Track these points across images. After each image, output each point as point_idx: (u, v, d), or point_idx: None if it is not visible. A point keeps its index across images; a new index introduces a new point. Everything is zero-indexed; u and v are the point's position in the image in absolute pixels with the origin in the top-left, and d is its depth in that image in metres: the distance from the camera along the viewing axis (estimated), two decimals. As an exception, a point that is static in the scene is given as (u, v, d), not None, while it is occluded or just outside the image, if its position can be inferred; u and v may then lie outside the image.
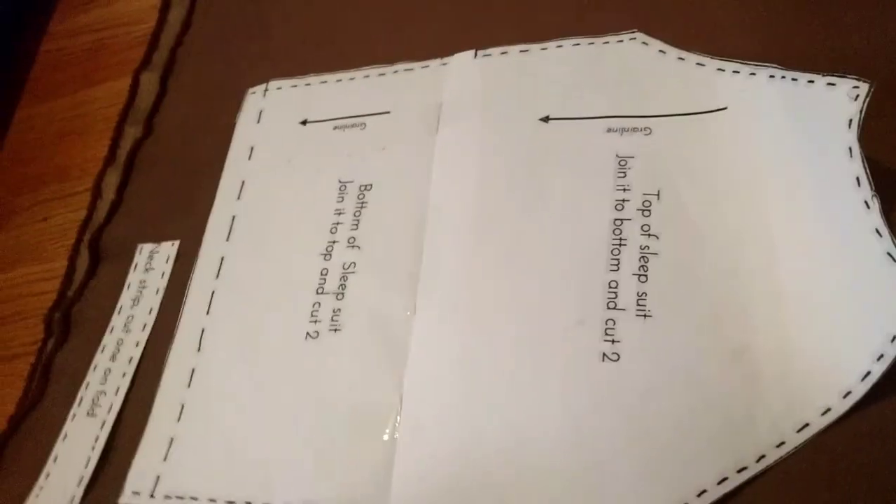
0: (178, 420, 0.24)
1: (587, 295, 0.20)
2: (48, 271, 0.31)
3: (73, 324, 0.28)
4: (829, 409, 0.17)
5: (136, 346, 0.26)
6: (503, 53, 0.26)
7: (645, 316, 0.20)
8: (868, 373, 0.17)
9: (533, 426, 0.19)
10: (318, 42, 0.31)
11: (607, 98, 0.24)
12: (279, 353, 0.24)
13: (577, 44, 0.25)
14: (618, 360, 0.19)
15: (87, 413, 0.25)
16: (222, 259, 0.27)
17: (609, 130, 0.23)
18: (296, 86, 0.30)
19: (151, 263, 0.28)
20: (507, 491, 0.18)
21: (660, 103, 0.23)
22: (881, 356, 0.16)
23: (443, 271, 0.23)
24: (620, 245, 0.21)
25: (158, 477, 0.23)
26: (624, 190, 0.22)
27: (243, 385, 0.24)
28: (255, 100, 0.30)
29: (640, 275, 0.20)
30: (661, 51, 0.24)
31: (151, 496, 0.23)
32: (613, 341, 0.20)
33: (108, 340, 0.27)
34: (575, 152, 0.23)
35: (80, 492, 0.24)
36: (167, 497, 0.22)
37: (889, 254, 0.17)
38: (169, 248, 0.28)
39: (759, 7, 0.24)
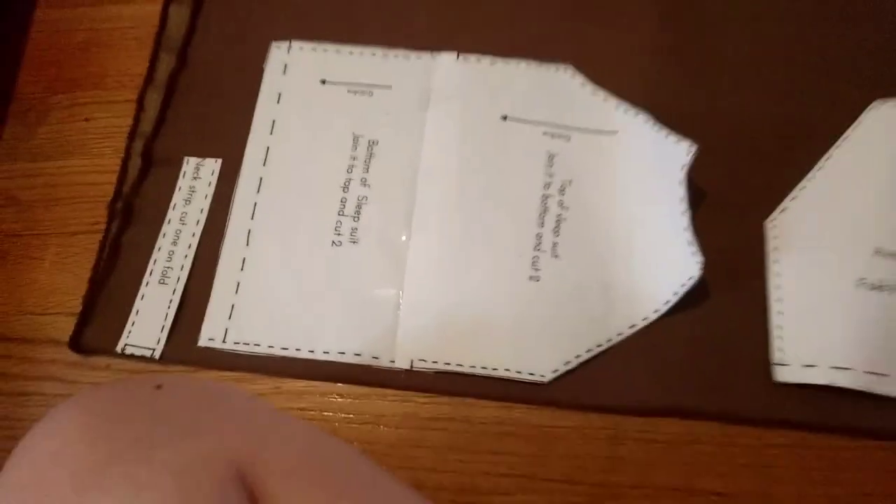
0: (236, 293, 0.35)
1: (523, 240, 0.34)
2: (98, 166, 0.39)
3: (133, 213, 0.37)
4: (646, 318, 0.32)
5: (193, 236, 0.36)
6: (478, 60, 0.38)
7: (556, 256, 0.33)
8: (668, 301, 0.31)
9: (487, 307, 0.33)
10: (333, 14, 0.40)
11: (546, 109, 0.36)
12: (312, 253, 0.35)
13: (530, 65, 0.37)
14: (538, 280, 0.33)
15: (159, 282, 0.36)
16: (261, 179, 0.37)
17: (544, 133, 0.36)
18: (315, 49, 0.39)
19: (199, 173, 0.38)
20: (469, 337, 0.32)
21: (578, 119, 0.36)
22: (675, 293, 0.31)
23: (430, 211, 0.35)
24: (545, 211, 0.34)
25: (227, 329, 0.34)
26: (550, 176, 0.35)
27: (286, 272, 0.35)
28: (279, 53, 0.39)
29: (555, 230, 0.34)
30: (583, 83, 0.37)
31: (224, 342, 0.34)
32: (537, 269, 0.33)
33: (167, 229, 0.37)
34: (522, 145, 0.36)
35: (164, 336, 0.34)
36: (235, 343, 0.34)
37: (687, 241, 0.32)
38: (213, 164, 0.38)
39: (654, 72, 0.37)
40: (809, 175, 0.34)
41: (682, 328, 0.32)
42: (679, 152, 0.32)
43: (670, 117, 0.34)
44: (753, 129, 0.35)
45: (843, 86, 0.35)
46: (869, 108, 0.35)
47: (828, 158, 0.34)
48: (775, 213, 0.34)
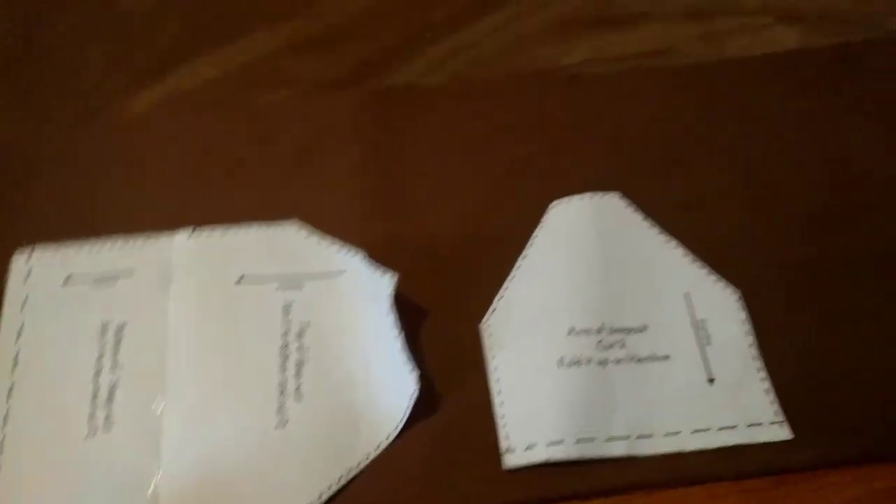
0: (-11, 509, 0.34)
1: (268, 390, 0.36)
2: None
3: None
4: (388, 436, 0.34)
5: (-58, 459, 0.36)
6: (211, 231, 0.41)
7: (300, 399, 0.36)
8: (402, 417, 0.34)
9: (239, 466, 0.34)
10: (74, 215, 0.42)
11: (277, 264, 0.40)
12: (67, 451, 0.35)
13: (260, 226, 0.41)
14: (285, 426, 0.35)
15: None
16: (10, 387, 0.37)
17: (277, 287, 0.39)
18: (57, 250, 0.41)
19: (-55, 395, 0.37)
20: (226, 499, 0.33)
21: (307, 268, 0.39)
22: (406, 408, 0.34)
23: (180, 381, 0.37)
24: (286, 358, 0.37)
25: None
26: (287, 324, 0.38)
27: (39, 482, 0.34)
28: (21, 260, 0.41)
29: (296, 374, 0.36)
30: (308, 234, 0.40)
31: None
32: (283, 416, 0.35)
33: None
34: (257, 302, 0.38)
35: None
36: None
37: (404, 361, 0.35)
38: (-41, 384, 0.38)
39: (364, 214, 0.41)
40: (510, 276, 0.39)
41: (420, 438, 0.35)
42: (385, 283, 0.36)
43: (382, 250, 0.39)
44: (457, 246, 0.40)
45: (519, 195, 0.41)
46: (549, 207, 0.41)
47: (523, 258, 0.39)
48: (487, 315, 0.38)
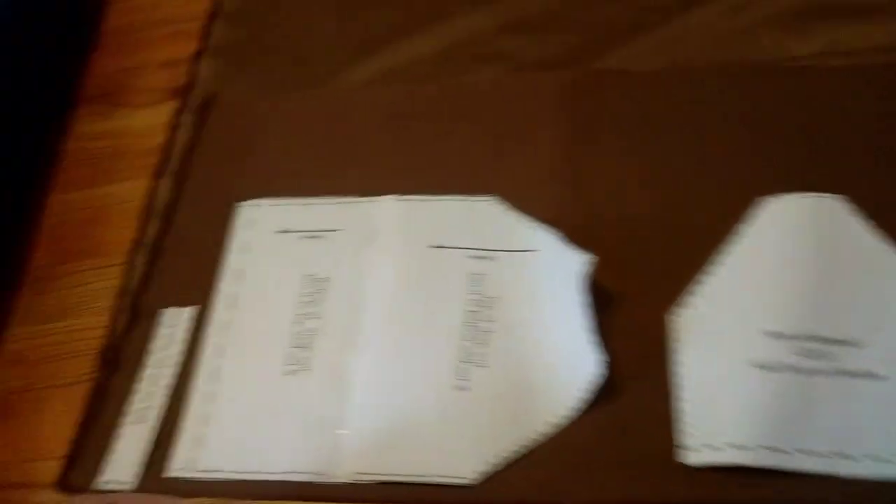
0: (204, 425, 0.38)
1: (451, 353, 0.37)
2: (93, 323, 0.44)
3: (118, 362, 0.42)
4: (562, 416, 0.34)
5: (169, 376, 0.41)
6: (414, 199, 0.43)
7: (483, 366, 0.36)
8: (580, 398, 0.34)
9: (419, 419, 0.35)
10: (292, 175, 0.46)
11: (472, 236, 0.41)
12: (269, 383, 0.39)
13: (458, 199, 0.42)
14: (466, 389, 0.36)
15: (135, 421, 0.39)
16: (229, 322, 0.41)
17: (469, 257, 0.40)
18: (276, 205, 0.45)
19: (175, 321, 0.42)
20: (404, 448, 0.35)
21: (501, 243, 0.40)
22: (585, 390, 0.34)
23: (371, 335, 0.39)
24: (472, 325, 0.38)
25: (193, 459, 0.37)
26: (477, 293, 0.39)
27: (246, 403, 0.38)
28: (246, 211, 0.45)
29: (482, 342, 0.37)
30: (504, 210, 0.41)
31: (190, 471, 0.37)
32: (465, 379, 0.36)
33: (146, 374, 0.41)
34: (449, 268, 0.40)
35: (138, 470, 0.38)
36: (201, 471, 0.37)
37: (592, 343, 0.34)
38: (189, 312, 0.42)
39: (562, 195, 0.41)
40: (709, 269, 0.37)
41: (595, 422, 0.34)
42: (579, 264, 0.36)
43: (578, 232, 0.38)
44: (654, 234, 0.39)
45: (727, 187, 0.39)
46: (762, 203, 0.38)
47: (728, 253, 0.37)
48: (679, 306, 0.36)
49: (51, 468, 0.39)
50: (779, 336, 0.34)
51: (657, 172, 0.41)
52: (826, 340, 0.34)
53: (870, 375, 0.33)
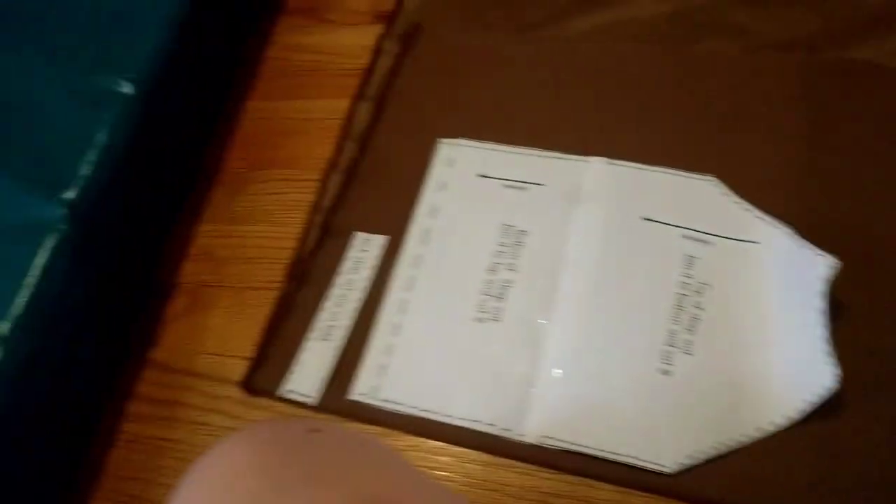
0: (388, 355, 0.39)
1: (656, 334, 0.36)
2: (283, 233, 0.45)
3: (307, 276, 0.43)
4: (776, 423, 0.32)
5: (355, 300, 0.41)
6: (627, 165, 0.41)
7: (689, 353, 0.35)
8: (800, 409, 0.32)
9: (616, 394, 0.34)
10: (497, 118, 0.45)
11: (687, 215, 0.39)
12: (459, 326, 0.38)
13: (676, 173, 0.40)
14: (669, 374, 0.35)
15: (322, 338, 0.40)
16: (419, 256, 0.41)
17: (684, 236, 0.38)
18: (478, 147, 0.44)
19: (366, 247, 0.43)
20: (597, 420, 0.34)
21: (718, 227, 0.38)
22: (809, 402, 0.32)
23: (569, 299, 0.38)
24: (680, 309, 0.36)
25: (376, 387, 0.38)
26: (688, 277, 0.37)
27: (433, 341, 0.38)
28: (447, 148, 0.44)
29: (690, 329, 0.36)
30: (725, 193, 0.39)
31: (372, 398, 0.38)
32: (669, 363, 0.35)
33: (334, 293, 0.42)
34: (660, 245, 0.38)
35: (321, 386, 0.39)
36: (383, 400, 0.37)
37: (824, 353, 0.32)
38: (380, 240, 0.43)
39: (797, 187, 0.38)
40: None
41: (813, 437, 0.32)
42: (820, 266, 0.33)
43: (812, 231, 0.36)
44: (888, 249, 0.36)
45: None
46: None
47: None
48: (920, 334, 0.34)
49: (237, 366, 0.41)
50: None
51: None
52: None
53: None
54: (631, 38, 0.46)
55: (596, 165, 0.41)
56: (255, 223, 0.46)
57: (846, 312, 0.34)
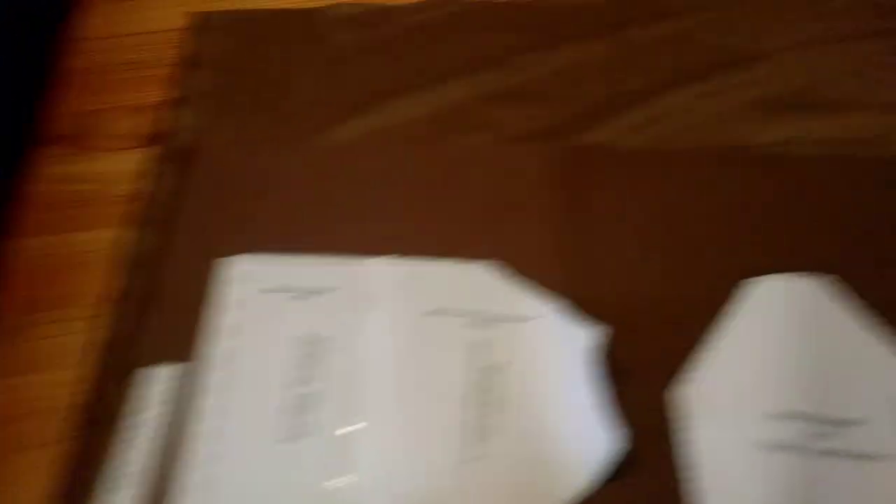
0: (192, 496, 0.36)
1: (453, 425, 0.37)
2: (60, 379, 0.42)
3: (97, 424, 0.39)
4: (575, 495, 0.34)
5: (151, 440, 0.38)
6: (410, 262, 0.43)
7: (485, 440, 0.36)
8: (592, 475, 0.34)
9: (427, 495, 0.35)
10: (276, 231, 0.45)
11: (471, 303, 0.41)
12: (267, 451, 0.37)
13: (456, 264, 0.42)
14: (470, 464, 0.36)
15: (116, 489, 0.37)
16: (215, 383, 0.40)
17: (469, 325, 0.40)
18: (265, 261, 0.44)
19: (158, 380, 0.40)
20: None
21: (501, 310, 0.40)
22: (599, 466, 0.34)
23: (373, 404, 0.38)
24: (471, 395, 0.38)
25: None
26: (476, 363, 0.39)
27: (241, 473, 0.37)
28: (230, 267, 0.44)
29: (481, 413, 0.37)
30: (504, 277, 0.42)
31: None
32: (470, 453, 0.36)
33: (127, 437, 0.39)
34: (447, 335, 0.40)
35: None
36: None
37: (605, 418, 0.35)
38: (173, 371, 0.41)
39: (563, 265, 0.42)
40: (705, 348, 0.38)
41: (611, 498, 0.34)
42: (589, 337, 0.37)
43: (583, 304, 0.40)
44: (646, 312, 0.40)
45: (720, 263, 0.41)
46: (751, 283, 0.40)
47: (721, 332, 0.39)
48: (682, 384, 0.37)
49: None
50: (782, 417, 0.35)
51: (642, 251, 0.43)
52: (830, 421, 0.35)
53: (869, 457, 0.35)
54: (397, 142, 0.49)
55: (377, 267, 0.43)
56: (28, 374, 0.42)
57: (625, 374, 0.37)
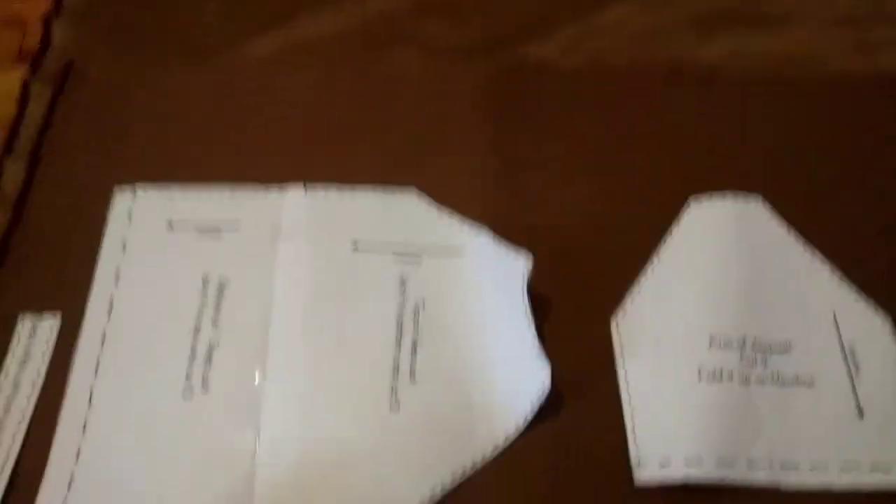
0: (76, 461, 0.32)
1: (381, 369, 0.33)
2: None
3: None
4: (507, 436, 0.32)
5: (27, 401, 0.34)
6: (325, 191, 0.38)
7: (414, 382, 0.33)
8: (525, 415, 0.32)
9: (348, 446, 0.31)
10: (178, 157, 0.40)
11: (395, 234, 0.37)
12: (162, 408, 0.33)
13: (376, 192, 0.38)
14: (398, 410, 0.32)
15: (-14, 458, 0.32)
16: (104, 333, 0.35)
17: (395, 258, 0.36)
18: (160, 193, 0.39)
19: (35, 332, 0.35)
20: (331, 479, 0.31)
21: (426, 241, 0.37)
22: (531, 406, 0.31)
23: (285, 349, 0.34)
24: (401, 336, 0.34)
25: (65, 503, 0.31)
26: (403, 299, 0.35)
27: (132, 434, 0.32)
28: (123, 199, 0.38)
29: (412, 354, 0.34)
30: (427, 206, 0.38)
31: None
32: (396, 398, 0.33)
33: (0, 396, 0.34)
34: (373, 272, 0.36)
35: (-9, 519, 0.31)
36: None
37: (535, 353, 0.32)
38: (52, 321, 0.35)
39: (488, 191, 0.39)
40: (642, 275, 0.36)
41: (542, 440, 0.32)
42: (517, 265, 0.33)
43: (503, 233, 0.36)
44: (583, 238, 0.37)
45: (659, 187, 0.39)
46: (688, 205, 0.38)
47: (657, 257, 0.36)
48: (618, 313, 0.35)
49: None
50: (720, 343, 0.33)
51: (580, 174, 0.40)
52: (761, 346, 0.34)
53: (799, 381, 0.33)
54: (315, 59, 0.44)
55: (292, 196, 0.38)
56: None
57: (546, 303, 0.35)
